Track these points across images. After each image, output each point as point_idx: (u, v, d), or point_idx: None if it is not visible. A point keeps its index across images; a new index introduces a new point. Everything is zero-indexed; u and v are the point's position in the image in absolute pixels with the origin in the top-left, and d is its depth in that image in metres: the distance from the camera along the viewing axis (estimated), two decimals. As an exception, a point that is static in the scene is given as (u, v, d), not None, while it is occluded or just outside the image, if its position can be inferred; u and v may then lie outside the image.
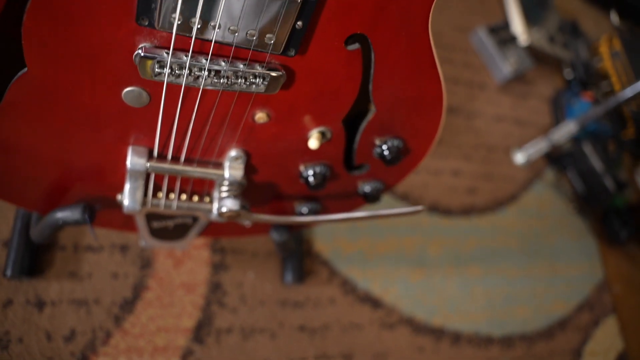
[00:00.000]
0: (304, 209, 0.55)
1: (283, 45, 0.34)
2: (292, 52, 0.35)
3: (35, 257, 0.61)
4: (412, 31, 0.38)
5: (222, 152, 0.45)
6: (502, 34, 1.10)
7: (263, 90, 0.37)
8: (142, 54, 0.33)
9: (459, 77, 1.04)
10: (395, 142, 0.48)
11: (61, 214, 0.48)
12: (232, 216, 0.46)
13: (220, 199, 0.46)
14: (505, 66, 1.06)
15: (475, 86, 1.05)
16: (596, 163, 1.03)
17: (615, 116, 1.18)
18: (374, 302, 0.76)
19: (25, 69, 0.35)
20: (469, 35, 1.11)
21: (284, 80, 0.37)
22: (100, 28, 0.33)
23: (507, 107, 1.07)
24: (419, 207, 0.47)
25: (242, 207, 0.46)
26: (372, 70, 0.40)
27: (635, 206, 1.14)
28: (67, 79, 0.36)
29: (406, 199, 0.85)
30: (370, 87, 0.41)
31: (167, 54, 0.34)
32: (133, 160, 0.43)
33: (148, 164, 0.43)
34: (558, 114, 1.15)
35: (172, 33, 0.32)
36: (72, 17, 0.32)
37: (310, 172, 0.49)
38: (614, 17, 1.47)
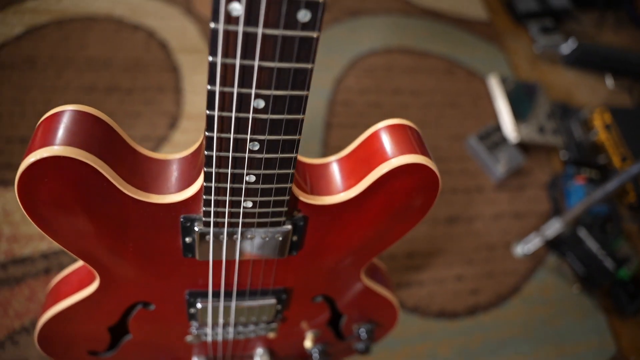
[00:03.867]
0: (319, 364, 0.78)
1: (273, 317, 0.58)
2: (280, 316, 0.59)
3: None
4: (354, 283, 0.60)
5: (252, 351, 0.70)
6: (492, 137, 1.29)
7: (268, 332, 0.62)
8: (191, 339, 0.59)
9: (457, 186, 1.23)
10: (368, 326, 0.70)
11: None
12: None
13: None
14: (498, 168, 1.24)
15: (472, 191, 1.24)
16: (593, 246, 1.17)
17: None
18: (396, 405, 0.96)
19: (131, 336, 0.62)
20: (463, 142, 1.31)
21: (279, 325, 0.61)
22: (168, 331, 0.59)
23: (505, 204, 1.24)
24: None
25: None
26: (336, 305, 0.63)
27: (646, 272, 1.25)
28: (155, 340, 0.63)
29: (416, 310, 1.05)
30: (338, 308, 0.64)
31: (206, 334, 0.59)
32: (197, 365, 0.69)
33: (207, 368, 0.69)
34: (558, 198, 1.29)
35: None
36: (153, 320, 0.58)
37: (315, 351, 0.72)
38: (610, 82, 1.59)
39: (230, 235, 0.44)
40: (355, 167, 0.46)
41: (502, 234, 1.20)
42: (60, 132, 0.38)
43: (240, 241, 0.45)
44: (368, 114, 1.27)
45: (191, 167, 0.43)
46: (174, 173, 0.43)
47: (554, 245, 1.21)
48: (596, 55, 1.58)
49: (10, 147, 1.05)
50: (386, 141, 0.45)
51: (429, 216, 1.17)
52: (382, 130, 0.46)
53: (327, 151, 1.19)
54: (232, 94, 0.32)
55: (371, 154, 0.45)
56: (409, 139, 0.45)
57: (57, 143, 0.37)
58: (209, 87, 0.32)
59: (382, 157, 0.44)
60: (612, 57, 1.59)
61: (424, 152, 0.44)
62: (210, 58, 0.30)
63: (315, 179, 0.46)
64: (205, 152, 0.36)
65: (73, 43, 1.23)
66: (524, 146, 1.33)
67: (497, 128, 1.31)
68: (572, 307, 1.16)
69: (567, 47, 1.56)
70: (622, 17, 1.82)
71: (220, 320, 0.57)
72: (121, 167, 0.40)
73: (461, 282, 1.11)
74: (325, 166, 0.47)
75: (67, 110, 0.39)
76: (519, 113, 1.34)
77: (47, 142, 0.37)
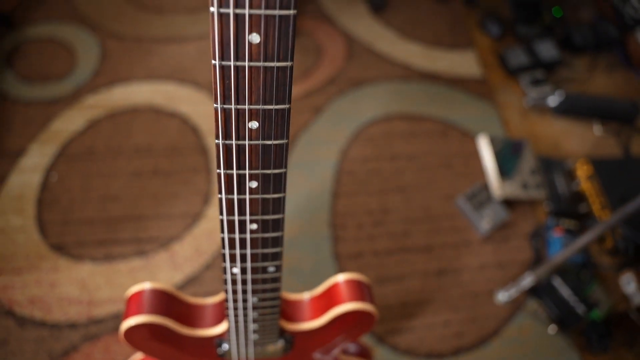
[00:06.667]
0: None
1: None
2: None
3: None
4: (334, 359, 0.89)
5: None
6: (478, 197, 1.54)
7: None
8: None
9: (447, 242, 1.49)
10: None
11: None
12: None
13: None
14: (483, 225, 1.49)
15: (460, 246, 1.50)
16: (565, 292, 1.41)
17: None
18: None
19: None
20: (454, 201, 1.56)
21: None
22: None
23: (490, 255, 1.50)
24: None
25: None
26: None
27: (621, 313, 1.48)
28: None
29: (408, 352, 1.33)
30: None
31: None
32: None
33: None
34: (539, 248, 1.53)
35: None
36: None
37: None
38: (597, 128, 1.80)
39: (246, 348, 0.74)
40: (321, 305, 0.74)
41: (486, 282, 1.46)
42: (141, 305, 0.68)
43: (253, 351, 0.75)
44: (369, 182, 1.55)
45: (221, 309, 0.73)
46: (210, 314, 0.74)
47: (532, 291, 1.46)
48: (583, 105, 1.79)
49: (80, 228, 1.39)
50: (344, 290, 0.73)
51: (421, 271, 1.44)
52: (343, 282, 0.74)
53: (335, 218, 1.47)
54: (235, 298, 0.62)
55: (333, 297, 0.74)
56: (359, 289, 0.73)
57: (141, 312, 0.68)
58: (225, 287, 0.61)
59: (340, 301, 0.72)
60: (598, 105, 1.79)
61: (368, 299, 0.72)
62: (225, 265, 0.60)
63: (296, 309, 0.76)
64: (228, 323, 0.66)
65: (122, 133, 1.56)
66: (509, 201, 1.57)
67: (484, 187, 1.56)
68: (547, 347, 1.40)
69: (554, 99, 1.78)
70: (614, 60, 2.00)
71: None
72: (179, 316, 0.71)
73: (447, 327, 1.38)
74: (302, 301, 0.77)
75: (145, 288, 0.70)
76: (505, 171, 1.58)
77: (136, 311, 0.68)
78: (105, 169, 1.49)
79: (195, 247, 1.37)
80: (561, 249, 1.50)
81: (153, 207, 1.44)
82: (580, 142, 1.77)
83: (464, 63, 1.90)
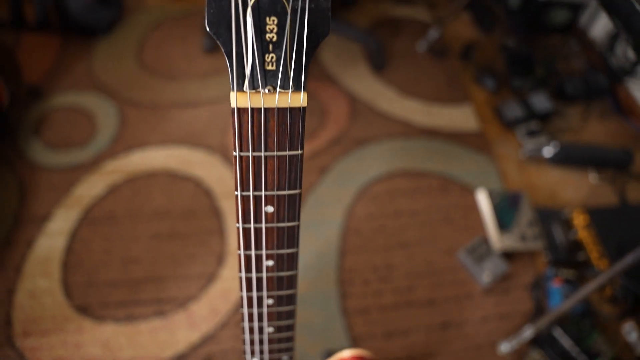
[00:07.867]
0: None
1: None
2: None
3: None
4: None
5: None
6: (478, 250, 1.63)
7: None
8: None
9: (449, 296, 1.58)
10: None
11: None
12: None
13: None
14: (483, 278, 1.58)
15: (463, 299, 1.58)
16: (567, 343, 1.48)
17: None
18: None
19: None
20: (455, 254, 1.65)
21: None
22: None
23: (491, 307, 1.58)
24: None
25: None
26: None
27: (625, 360, 1.55)
28: None
29: (416, 407, 1.40)
30: None
31: None
32: None
33: None
34: (540, 298, 1.61)
35: None
36: None
37: None
38: (593, 176, 1.90)
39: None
40: (330, 380, 0.84)
41: (489, 334, 1.53)
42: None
43: None
44: (374, 239, 1.65)
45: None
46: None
47: (534, 341, 1.53)
48: (578, 154, 1.89)
49: (103, 289, 1.49)
50: (348, 365, 0.83)
51: (425, 324, 1.52)
52: (348, 358, 0.84)
53: (342, 275, 1.57)
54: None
55: (339, 372, 0.83)
56: (360, 365, 0.82)
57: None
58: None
59: (345, 376, 0.82)
60: (592, 153, 1.89)
61: (369, 372, 0.82)
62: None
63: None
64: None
65: (141, 197, 1.68)
66: (508, 253, 1.66)
67: (484, 240, 1.65)
68: (550, 396, 1.47)
69: (549, 150, 1.88)
70: (606, 108, 2.11)
71: None
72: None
73: (453, 380, 1.45)
74: (314, 376, 0.86)
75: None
76: (503, 224, 1.67)
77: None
78: (125, 232, 1.61)
79: (211, 307, 1.47)
80: (561, 299, 1.57)
81: (171, 269, 1.55)
82: (576, 191, 1.87)
83: (461, 117, 2.02)
